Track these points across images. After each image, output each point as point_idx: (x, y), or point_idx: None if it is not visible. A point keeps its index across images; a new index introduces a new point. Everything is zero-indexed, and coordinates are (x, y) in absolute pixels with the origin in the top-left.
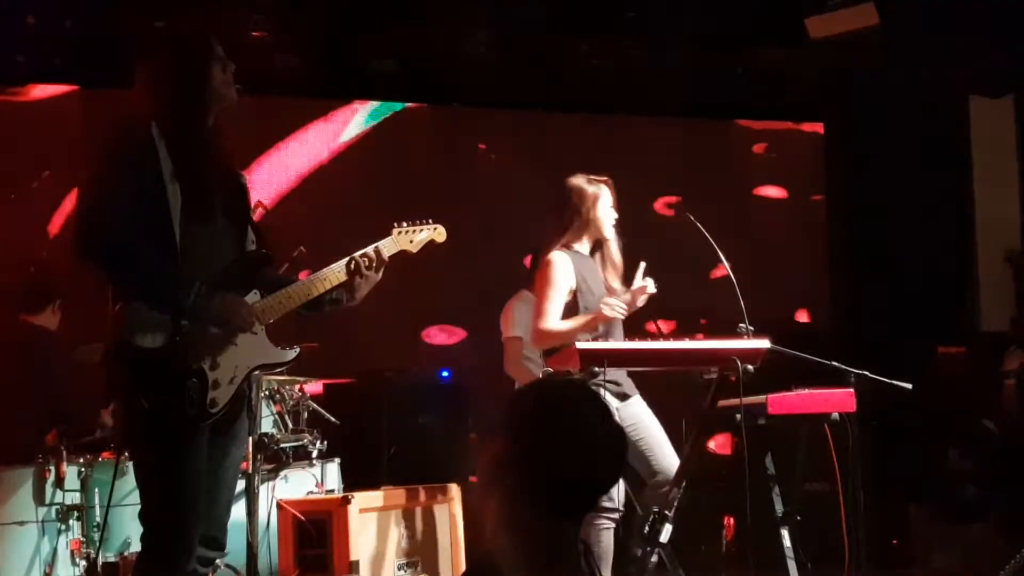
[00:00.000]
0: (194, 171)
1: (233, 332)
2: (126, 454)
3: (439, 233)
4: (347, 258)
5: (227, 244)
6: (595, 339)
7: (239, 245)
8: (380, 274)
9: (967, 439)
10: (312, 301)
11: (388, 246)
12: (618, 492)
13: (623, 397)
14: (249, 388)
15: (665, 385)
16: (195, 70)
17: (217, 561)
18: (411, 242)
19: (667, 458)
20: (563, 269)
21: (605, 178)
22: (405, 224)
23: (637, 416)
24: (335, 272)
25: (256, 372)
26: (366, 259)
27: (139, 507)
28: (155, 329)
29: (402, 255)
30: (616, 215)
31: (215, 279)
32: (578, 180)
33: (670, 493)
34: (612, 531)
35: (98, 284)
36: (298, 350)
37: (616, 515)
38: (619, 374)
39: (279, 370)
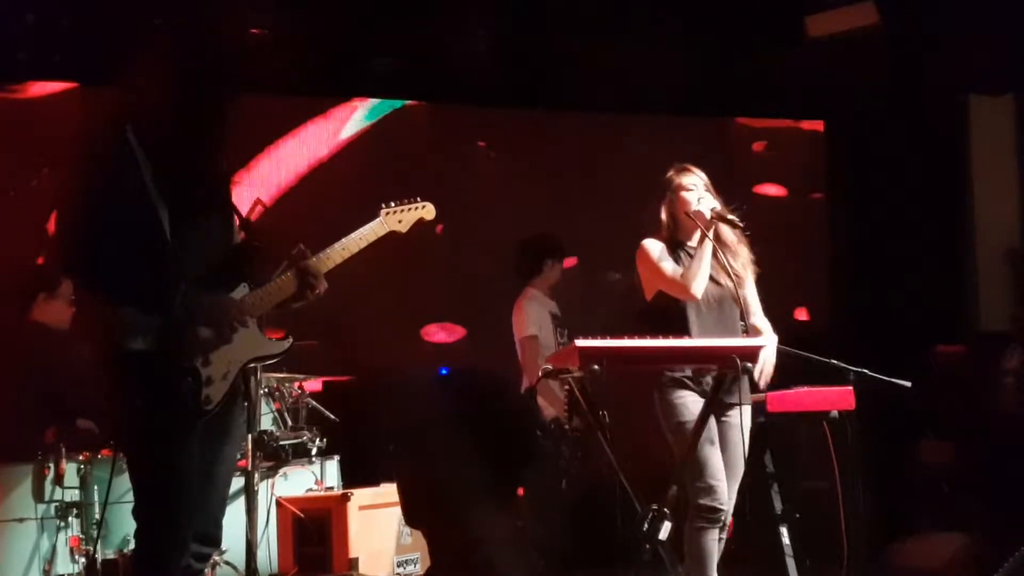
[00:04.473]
0: (176, 172)
1: (225, 331)
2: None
3: (428, 211)
4: (298, 268)
5: (215, 240)
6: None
7: (227, 240)
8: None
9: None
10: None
11: (376, 228)
12: (724, 494)
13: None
14: (245, 383)
15: None
16: (176, 74)
17: (216, 559)
18: (400, 222)
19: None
20: (652, 244)
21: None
22: (393, 204)
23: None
24: (323, 261)
25: (251, 365)
26: (312, 278)
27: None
28: (145, 330)
29: (392, 236)
30: (699, 199)
31: (204, 276)
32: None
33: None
34: (711, 533)
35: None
36: (291, 341)
37: (717, 516)
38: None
39: (274, 367)
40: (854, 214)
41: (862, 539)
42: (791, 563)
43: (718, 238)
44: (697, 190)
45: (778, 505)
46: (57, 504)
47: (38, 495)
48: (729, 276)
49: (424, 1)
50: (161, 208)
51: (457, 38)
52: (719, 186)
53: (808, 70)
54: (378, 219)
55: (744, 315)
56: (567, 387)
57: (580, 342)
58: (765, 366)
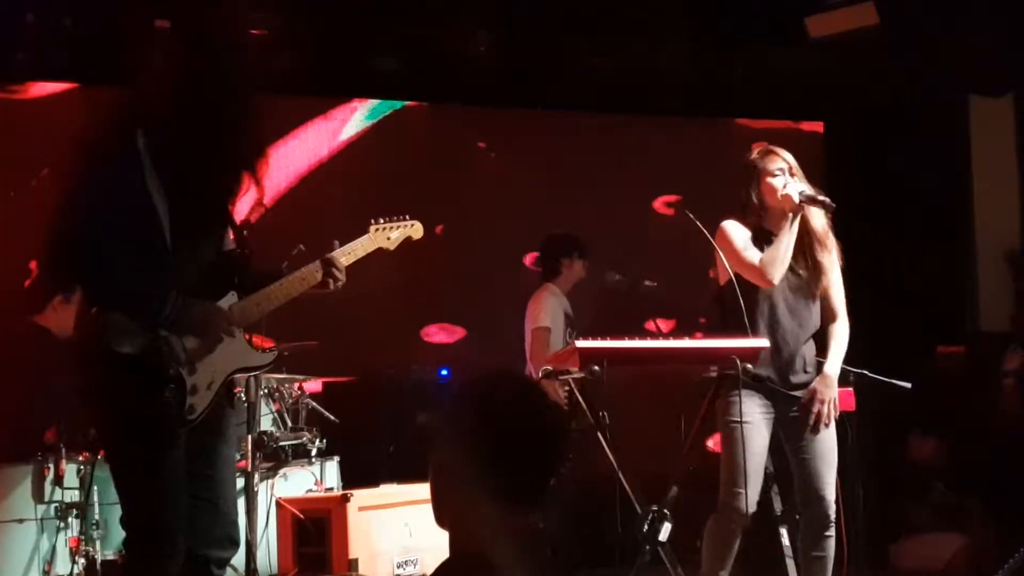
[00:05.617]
0: (181, 179)
1: (211, 340)
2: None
3: (416, 230)
4: (321, 259)
5: (209, 247)
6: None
7: (220, 246)
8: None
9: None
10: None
11: (365, 244)
12: (747, 503)
13: (781, 399)
14: (230, 390)
15: (664, 384)
16: (189, 76)
17: None
18: (388, 239)
19: (820, 484)
20: (733, 227)
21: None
22: (382, 220)
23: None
24: (312, 272)
25: (235, 375)
26: (336, 270)
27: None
28: (133, 335)
29: (379, 253)
30: (785, 184)
31: (194, 283)
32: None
33: (824, 525)
34: (728, 532)
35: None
36: (276, 353)
37: (736, 518)
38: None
39: (274, 368)
40: (854, 214)
41: (862, 539)
42: (790, 564)
43: (805, 225)
44: (784, 175)
45: (778, 506)
46: (57, 505)
47: (38, 496)
48: (811, 267)
49: (424, 2)
50: (164, 215)
51: (457, 38)
52: (719, 187)
53: (808, 70)
54: (367, 235)
55: (828, 313)
56: (567, 388)
57: (580, 343)
58: (824, 405)
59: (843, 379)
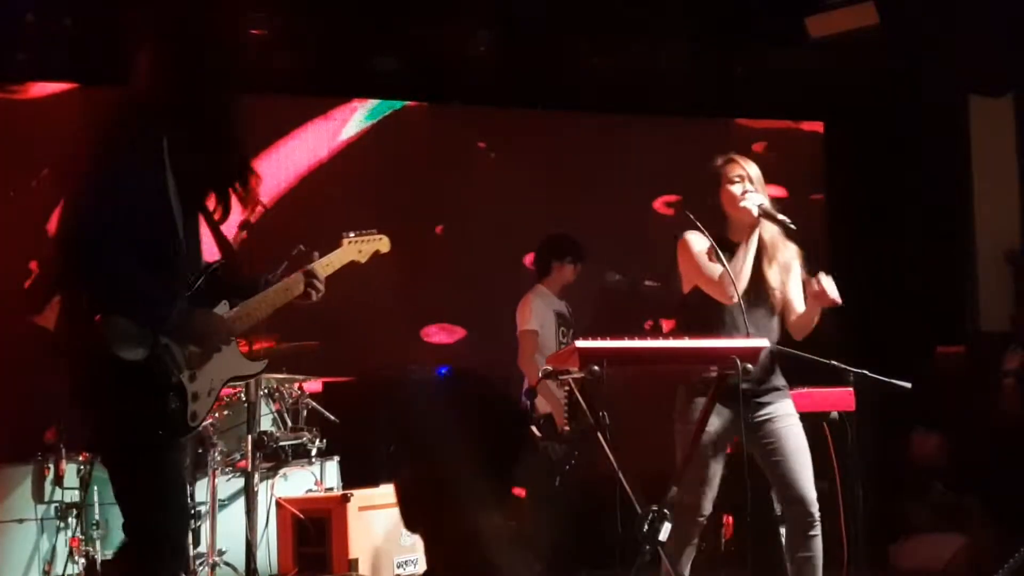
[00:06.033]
0: (190, 183)
1: (210, 348)
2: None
3: (384, 244)
4: (303, 271)
5: (199, 250)
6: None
7: (200, 248)
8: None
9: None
10: None
11: (340, 256)
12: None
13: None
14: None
15: (664, 384)
16: (206, 81)
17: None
18: (359, 252)
19: (798, 485)
20: (695, 240)
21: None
22: (353, 234)
23: (771, 432)
24: (295, 283)
25: (229, 383)
26: (317, 281)
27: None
28: (137, 342)
29: (352, 266)
30: (744, 193)
31: (193, 291)
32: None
33: (808, 519)
34: (683, 532)
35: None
36: (266, 362)
37: (693, 519)
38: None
39: (274, 367)
40: (854, 214)
41: (862, 539)
42: (790, 564)
43: (760, 237)
44: (743, 183)
45: (778, 506)
46: (57, 505)
47: (38, 495)
48: (769, 279)
49: (424, 2)
50: (179, 218)
51: (457, 38)
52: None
53: (808, 70)
54: (341, 248)
55: (784, 319)
56: (567, 388)
57: (579, 343)
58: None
59: (843, 379)
